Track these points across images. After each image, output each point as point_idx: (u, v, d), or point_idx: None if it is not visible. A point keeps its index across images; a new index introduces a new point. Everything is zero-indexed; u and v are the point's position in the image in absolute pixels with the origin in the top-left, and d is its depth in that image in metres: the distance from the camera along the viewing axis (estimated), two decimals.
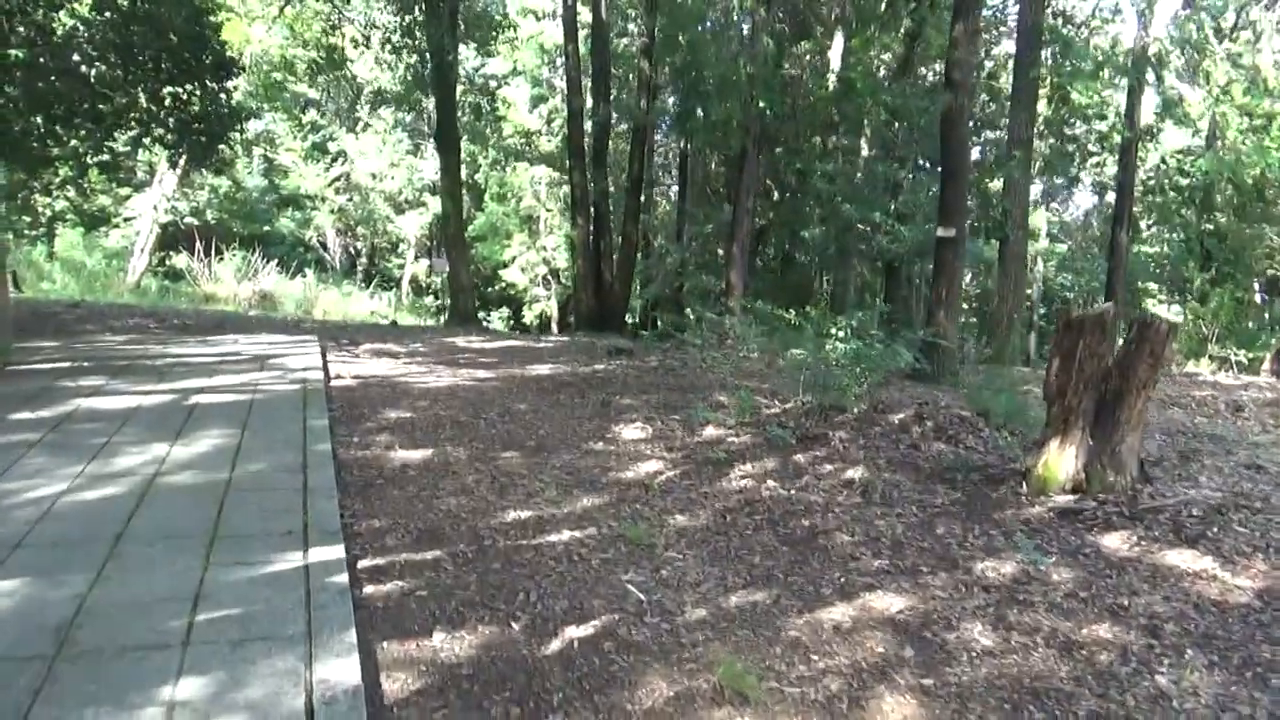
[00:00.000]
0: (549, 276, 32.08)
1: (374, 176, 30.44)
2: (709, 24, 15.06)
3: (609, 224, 19.03)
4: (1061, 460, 5.53)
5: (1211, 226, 19.42)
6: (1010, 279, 12.95)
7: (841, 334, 7.72)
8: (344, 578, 3.59)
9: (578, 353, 12.06)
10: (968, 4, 10.54)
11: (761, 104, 13.90)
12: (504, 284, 32.95)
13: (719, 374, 9.99)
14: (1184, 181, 16.53)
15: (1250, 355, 17.13)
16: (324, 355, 9.74)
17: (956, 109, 10.51)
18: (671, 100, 19.88)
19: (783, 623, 3.70)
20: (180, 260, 22.97)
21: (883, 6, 19.90)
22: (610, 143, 20.14)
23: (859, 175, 18.19)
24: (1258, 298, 21.85)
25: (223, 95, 14.48)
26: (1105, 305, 5.61)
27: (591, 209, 17.87)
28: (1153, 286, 25.37)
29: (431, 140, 30.84)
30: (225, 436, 5.69)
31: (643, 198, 20.15)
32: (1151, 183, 17.07)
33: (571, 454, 6.07)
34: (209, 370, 8.07)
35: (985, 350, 12.28)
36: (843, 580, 4.16)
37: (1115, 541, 4.84)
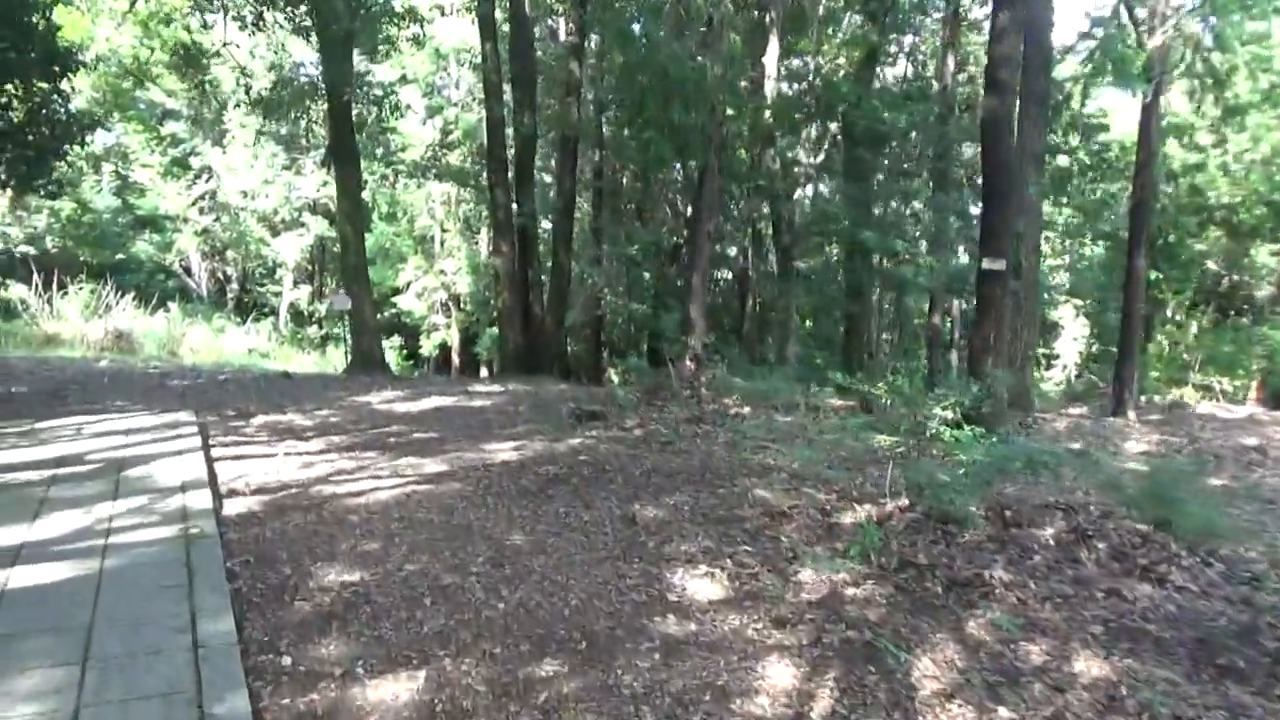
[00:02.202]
0: (449, 303, 29.25)
1: (245, 194, 27.06)
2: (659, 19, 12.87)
3: (537, 251, 16.56)
4: None
5: (1160, 242, 18.54)
6: (1024, 312, 11.25)
7: (949, 413, 5.67)
8: None
9: (533, 415, 9.66)
10: None
11: (729, 110, 11.87)
12: (395, 310, 29.96)
13: (732, 450, 7.86)
14: (1200, 200, 15.39)
15: (1234, 382, 16.13)
16: (207, 447, 7.08)
17: (1002, 113, 8.65)
18: (603, 109, 17.63)
19: None
20: (15, 294, 19.36)
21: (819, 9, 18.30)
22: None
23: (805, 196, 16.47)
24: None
25: (57, 98, 11.51)
26: None
27: (516, 234, 15.34)
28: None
29: (310, 155, 27.83)
30: (45, 695, 3.09)
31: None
32: (1160, 204, 15.93)
33: (644, 655, 3.77)
34: (29, 502, 5.28)
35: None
36: None
37: None
